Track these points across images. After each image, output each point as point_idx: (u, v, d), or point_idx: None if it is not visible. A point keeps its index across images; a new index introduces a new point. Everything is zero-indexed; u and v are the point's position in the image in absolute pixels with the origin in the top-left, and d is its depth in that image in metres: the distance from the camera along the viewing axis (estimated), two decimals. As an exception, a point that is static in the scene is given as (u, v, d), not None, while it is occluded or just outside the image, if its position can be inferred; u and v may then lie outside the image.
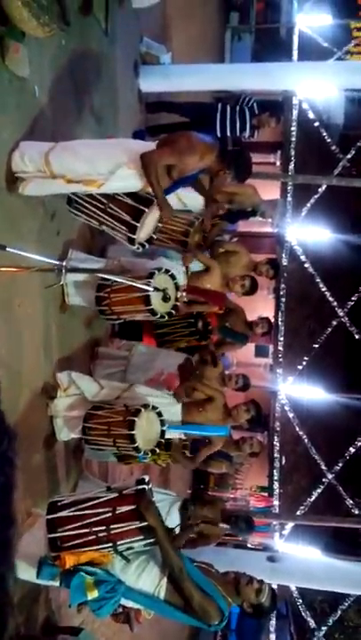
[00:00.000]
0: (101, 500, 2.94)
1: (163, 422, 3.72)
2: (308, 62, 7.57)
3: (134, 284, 3.14)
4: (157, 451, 3.71)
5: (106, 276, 3.59)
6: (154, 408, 3.69)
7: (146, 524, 2.79)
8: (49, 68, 3.87)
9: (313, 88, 7.16)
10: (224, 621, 2.82)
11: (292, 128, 9.05)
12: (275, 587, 5.41)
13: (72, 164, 3.31)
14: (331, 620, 8.95)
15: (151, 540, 2.83)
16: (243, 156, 3.65)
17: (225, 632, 10.37)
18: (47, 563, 2.85)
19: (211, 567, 2.97)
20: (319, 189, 9.17)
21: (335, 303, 9.54)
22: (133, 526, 2.82)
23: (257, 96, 6.14)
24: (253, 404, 4.11)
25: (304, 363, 9.86)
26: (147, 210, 3.45)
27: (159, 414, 3.71)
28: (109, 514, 2.86)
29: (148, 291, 3.52)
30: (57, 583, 2.88)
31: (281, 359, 9.89)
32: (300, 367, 9.89)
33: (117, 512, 2.85)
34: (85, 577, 2.74)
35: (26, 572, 2.96)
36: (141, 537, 2.83)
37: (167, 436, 3.81)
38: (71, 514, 2.92)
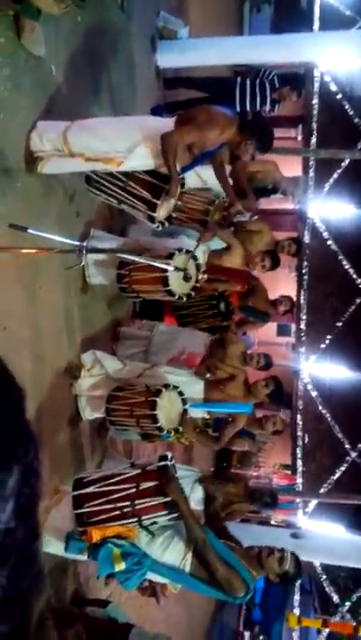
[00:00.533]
0: (125, 476, 2.99)
1: (184, 401, 3.73)
2: (329, 32, 7.33)
3: (154, 263, 3.13)
4: (180, 429, 3.74)
5: (125, 256, 3.58)
6: (175, 387, 3.70)
7: (170, 499, 2.83)
8: (65, 46, 3.83)
9: (335, 59, 6.93)
10: (249, 594, 2.88)
11: (314, 101, 8.84)
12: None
13: (90, 142, 3.29)
14: (355, 596, 9.03)
15: (175, 515, 2.88)
16: (264, 126, 3.57)
17: (249, 606, 10.52)
18: (74, 537, 2.92)
19: (235, 542, 3.02)
20: (342, 164, 8.98)
21: (359, 280, 9.40)
22: (157, 502, 2.87)
23: (277, 69, 6.00)
24: (273, 380, 4.09)
25: (327, 341, 9.78)
26: (167, 187, 3.42)
27: (180, 393, 3.72)
28: (133, 489, 2.92)
29: (167, 270, 3.50)
30: (85, 556, 2.95)
31: (303, 338, 9.83)
32: (322, 346, 9.82)
33: (141, 488, 2.91)
34: (113, 548, 2.80)
35: (53, 546, 3.03)
36: (165, 512, 2.87)
37: (190, 414, 3.83)
38: (96, 490, 2.98)
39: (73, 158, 3.33)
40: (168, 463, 2.95)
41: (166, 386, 3.67)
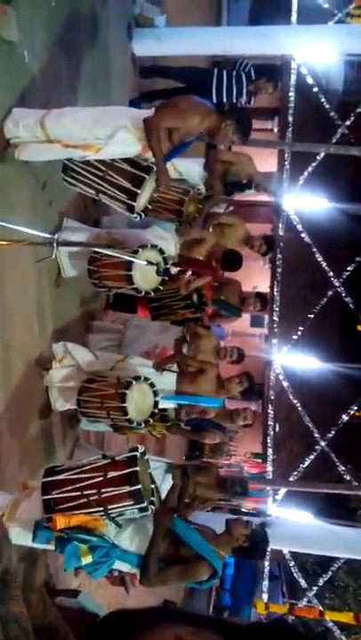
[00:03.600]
0: (95, 465, 3.01)
1: (156, 393, 3.75)
2: (307, 25, 7.34)
3: (125, 257, 3.13)
4: (151, 421, 3.76)
5: (97, 250, 3.56)
6: (146, 379, 3.72)
7: (135, 488, 2.87)
8: (39, 32, 3.76)
9: (312, 52, 6.97)
10: (215, 578, 3.02)
11: (291, 94, 8.85)
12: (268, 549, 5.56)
13: (69, 129, 3.26)
14: (322, 581, 9.26)
15: (143, 506, 2.91)
16: (242, 110, 3.59)
17: (219, 592, 10.70)
18: (42, 526, 2.93)
19: (206, 528, 3.11)
20: (317, 157, 9.04)
21: (331, 273, 9.53)
22: (123, 490, 2.90)
23: (254, 60, 5.98)
24: (246, 376, 4.14)
25: (299, 333, 9.91)
26: (147, 176, 3.40)
27: (152, 385, 3.74)
28: (101, 478, 2.95)
29: (131, 269, 3.58)
30: (52, 547, 2.96)
31: (276, 329, 9.94)
32: (295, 337, 9.95)
33: (108, 476, 2.93)
34: (79, 545, 2.82)
35: (21, 537, 3.03)
36: (132, 502, 2.90)
37: (161, 406, 3.85)
38: (66, 477, 3.00)
39: (51, 144, 3.29)
40: (137, 454, 2.98)
41: (137, 378, 3.68)
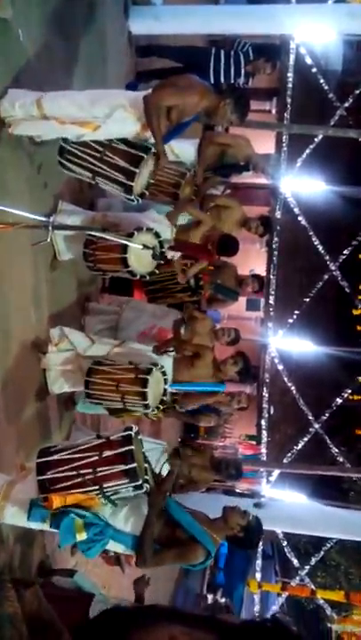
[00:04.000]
0: (90, 445, 3.04)
1: (166, 381, 3.80)
2: (307, 4, 7.22)
3: (120, 240, 3.11)
4: (161, 407, 3.80)
5: (93, 233, 3.54)
6: (161, 367, 3.77)
7: (131, 466, 2.90)
8: (34, 9, 3.68)
9: (311, 32, 6.87)
10: (209, 560, 3.02)
11: (289, 74, 8.75)
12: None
13: (66, 108, 3.24)
14: (314, 560, 9.43)
15: (138, 484, 2.94)
16: (240, 90, 3.57)
17: (213, 570, 10.89)
18: (37, 504, 2.96)
19: (199, 513, 3.13)
20: (315, 139, 8.97)
21: (327, 257, 9.53)
22: (118, 469, 2.93)
23: (253, 39, 5.89)
24: (241, 356, 4.14)
25: (295, 316, 9.95)
26: (145, 156, 3.37)
27: (164, 373, 3.79)
28: (96, 457, 2.98)
29: (126, 252, 3.56)
30: (47, 526, 3.00)
31: (272, 312, 9.96)
32: (290, 320, 9.98)
33: (104, 456, 2.97)
34: (75, 518, 2.85)
35: (16, 517, 3.06)
36: (126, 480, 2.94)
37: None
38: (61, 458, 3.03)
39: (47, 120, 3.27)
40: (132, 433, 3.01)
41: (155, 365, 3.72)
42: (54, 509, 2.91)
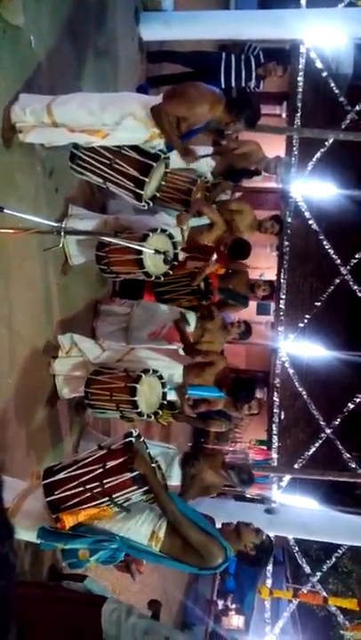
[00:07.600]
0: (92, 458, 3.02)
1: (164, 384, 3.77)
2: (317, 9, 7.21)
3: (133, 246, 3.11)
4: (160, 413, 3.78)
5: (104, 239, 3.55)
6: (154, 372, 3.73)
7: (136, 473, 2.87)
8: (45, 17, 3.71)
9: (321, 36, 6.86)
10: (226, 562, 2.93)
11: (299, 78, 8.72)
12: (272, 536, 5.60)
13: (76, 115, 3.24)
14: (325, 567, 9.33)
15: (147, 488, 2.92)
16: (251, 104, 3.55)
17: (223, 576, 10.82)
18: (46, 534, 2.91)
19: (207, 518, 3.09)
20: (326, 143, 8.93)
21: (338, 261, 9.47)
22: (125, 478, 2.90)
23: (262, 44, 5.90)
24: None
25: (305, 320, 9.89)
26: (155, 164, 3.37)
27: (160, 377, 3.75)
28: (100, 469, 2.94)
29: (142, 253, 3.51)
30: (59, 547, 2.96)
31: (282, 317, 9.91)
32: (301, 325, 9.92)
33: (108, 467, 2.93)
34: (80, 549, 2.83)
35: (26, 535, 3.03)
36: (135, 487, 2.92)
37: (169, 397, 3.87)
38: (66, 475, 3.00)
39: (57, 128, 3.28)
40: (132, 439, 2.99)
41: (145, 371, 3.69)
42: (68, 529, 2.88)
